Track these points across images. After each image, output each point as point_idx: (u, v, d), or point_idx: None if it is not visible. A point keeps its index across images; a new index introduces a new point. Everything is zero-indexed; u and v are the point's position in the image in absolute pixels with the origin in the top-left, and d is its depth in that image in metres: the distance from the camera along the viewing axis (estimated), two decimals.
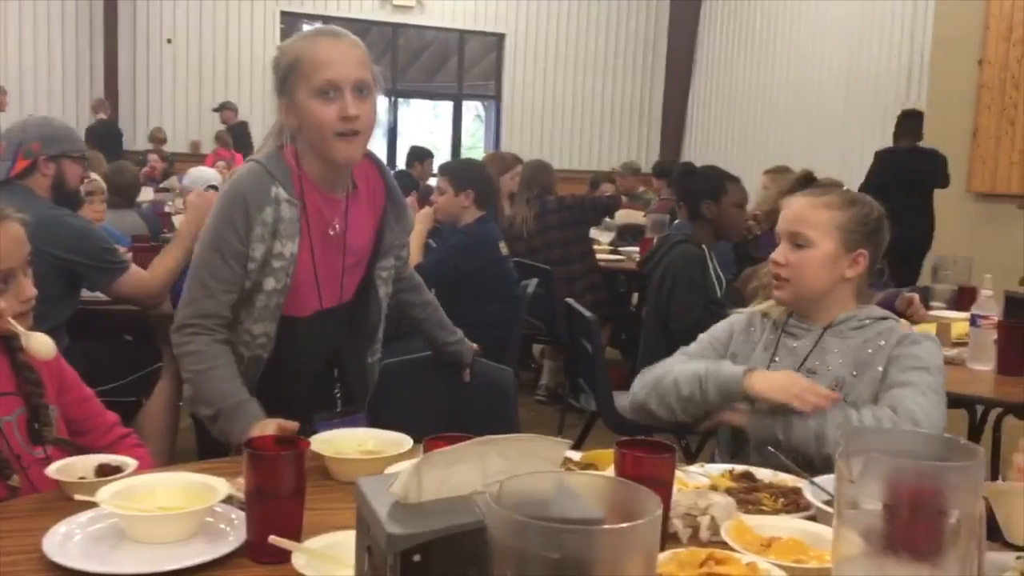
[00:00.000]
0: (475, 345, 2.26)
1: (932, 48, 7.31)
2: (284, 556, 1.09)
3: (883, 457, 0.94)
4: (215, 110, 10.24)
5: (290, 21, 10.94)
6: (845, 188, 1.93)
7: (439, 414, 2.18)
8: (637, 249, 5.57)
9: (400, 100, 12.04)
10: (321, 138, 1.70)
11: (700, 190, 3.47)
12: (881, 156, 6.32)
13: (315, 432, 1.54)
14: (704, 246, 3.35)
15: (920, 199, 6.07)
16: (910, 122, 6.41)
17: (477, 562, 0.80)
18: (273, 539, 1.08)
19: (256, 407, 1.68)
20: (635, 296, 5.64)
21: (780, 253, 1.78)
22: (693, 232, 3.44)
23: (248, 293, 1.76)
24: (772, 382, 1.71)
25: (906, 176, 5.89)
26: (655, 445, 1.24)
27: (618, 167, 8.01)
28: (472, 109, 12.82)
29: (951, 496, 0.94)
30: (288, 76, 1.71)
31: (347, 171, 1.80)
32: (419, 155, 8.53)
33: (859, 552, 0.97)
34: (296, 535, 1.13)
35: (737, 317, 1.95)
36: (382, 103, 10.66)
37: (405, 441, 1.47)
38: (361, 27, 10.33)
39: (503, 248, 3.79)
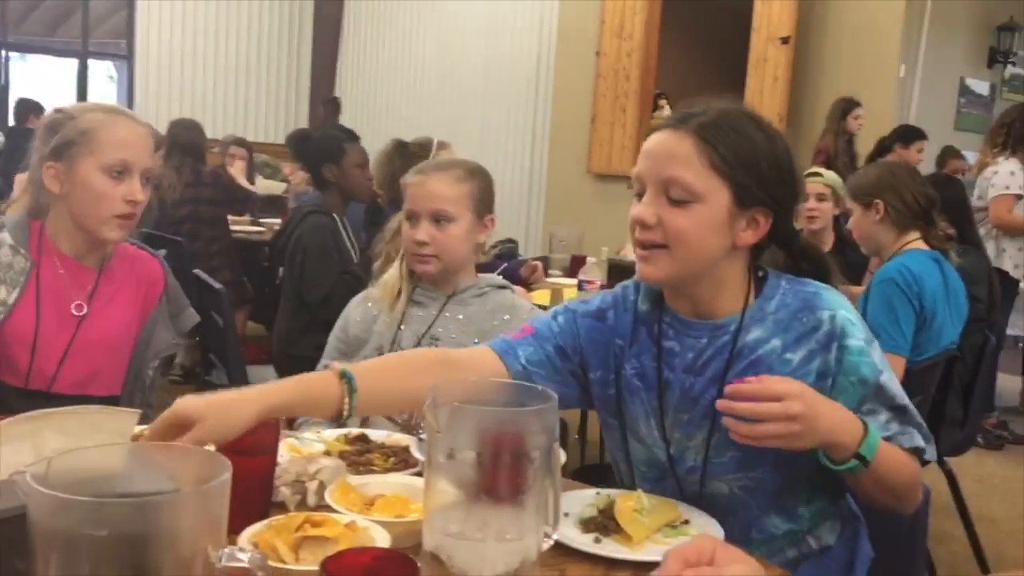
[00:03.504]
0: None
1: (557, 40, 7.90)
2: None
3: (466, 407, 0.99)
4: None
5: None
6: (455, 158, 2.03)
7: None
8: (280, 220, 5.45)
9: (15, 54, 10.62)
10: (95, 214, 1.64)
11: (319, 155, 3.33)
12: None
13: None
14: (335, 215, 3.27)
15: None
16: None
17: (25, 551, 0.71)
18: None
19: None
20: (281, 269, 5.51)
21: (424, 232, 1.82)
22: (322, 200, 3.35)
23: None
24: None
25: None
26: None
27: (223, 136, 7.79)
28: (104, 69, 11.69)
29: (530, 439, 1.01)
30: (73, 143, 1.64)
31: (103, 248, 1.73)
32: (32, 108, 7.50)
33: (450, 500, 1.00)
34: None
35: (353, 304, 1.98)
36: None
37: None
38: None
39: None
